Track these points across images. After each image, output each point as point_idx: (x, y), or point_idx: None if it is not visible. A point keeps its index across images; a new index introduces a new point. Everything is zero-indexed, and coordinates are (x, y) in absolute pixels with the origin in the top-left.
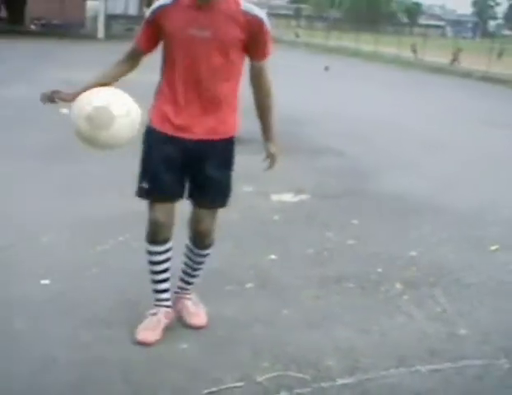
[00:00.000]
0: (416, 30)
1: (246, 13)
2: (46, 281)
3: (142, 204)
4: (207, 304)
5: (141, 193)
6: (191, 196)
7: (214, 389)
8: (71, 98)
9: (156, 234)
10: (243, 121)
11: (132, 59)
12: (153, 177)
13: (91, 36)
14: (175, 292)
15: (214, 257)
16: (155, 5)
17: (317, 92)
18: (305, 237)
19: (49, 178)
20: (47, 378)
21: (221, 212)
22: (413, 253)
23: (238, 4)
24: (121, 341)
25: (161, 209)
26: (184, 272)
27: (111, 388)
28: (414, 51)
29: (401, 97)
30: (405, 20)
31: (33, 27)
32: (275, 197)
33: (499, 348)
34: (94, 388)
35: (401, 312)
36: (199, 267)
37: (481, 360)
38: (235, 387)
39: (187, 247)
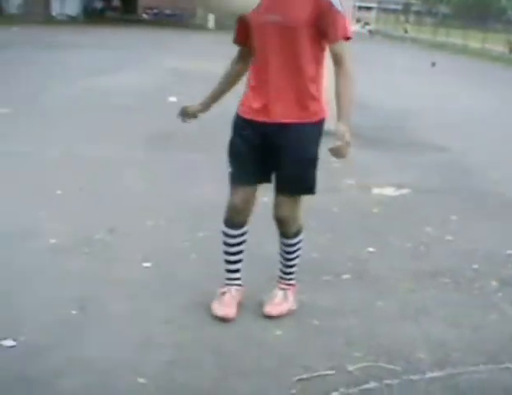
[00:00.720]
0: None
1: None
2: (148, 264)
3: None
4: (304, 292)
5: (229, 177)
6: (275, 181)
7: (305, 376)
8: (201, 108)
9: (233, 218)
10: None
11: (241, 56)
12: (234, 161)
13: (202, 26)
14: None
15: (312, 247)
16: None
17: (422, 87)
18: (404, 231)
19: (155, 165)
20: (143, 356)
21: (322, 204)
22: (510, 252)
23: None
24: (215, 324)
25: (240, 193)
26: (280, 262)
27: (202, 368)
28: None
29: (508, 95)
30: None
31: (145, 16)
32: (376, 191)
33: None
34: (187, 368)
35: (494, 309)
36: (290, 256)
37: None
38: (326, 375)
39: (279, 236)
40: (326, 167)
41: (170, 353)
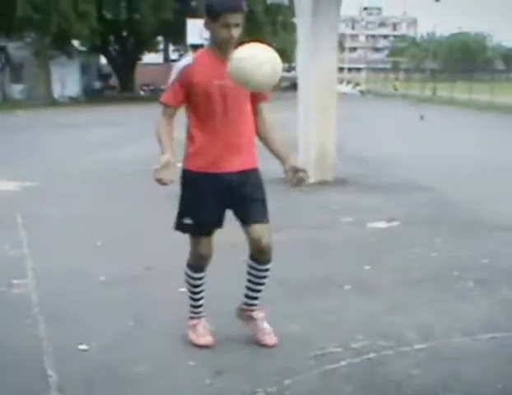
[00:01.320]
0: None
1: None
2: (183, 289)
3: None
4: (314, 300)
5: (185, 229)
6: (242, 219)
7: (319, 353)
8: (167, 161)
9: (201, 266)
10: (347, 165)
11: (170, 117)
12: (196, 214)
13: None
14: (243, 309)
15: (319, 267)
16: (179, 66)
17: (411, 138)
18: (395, 252)
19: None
20: (189, 349)
21: (324, 238)
22: (485, 261)
23: None
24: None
25: (205, 243)
26: (250, 289)
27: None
28: None
29: (489, 140)
30: (502, 66)
31: (142, 93)
32: (370, 225)
33: None
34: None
35: (470, 301)
36: (263, 281)
37: None
38: (335, 352)
39: (250, 266)
40: (326, 209)
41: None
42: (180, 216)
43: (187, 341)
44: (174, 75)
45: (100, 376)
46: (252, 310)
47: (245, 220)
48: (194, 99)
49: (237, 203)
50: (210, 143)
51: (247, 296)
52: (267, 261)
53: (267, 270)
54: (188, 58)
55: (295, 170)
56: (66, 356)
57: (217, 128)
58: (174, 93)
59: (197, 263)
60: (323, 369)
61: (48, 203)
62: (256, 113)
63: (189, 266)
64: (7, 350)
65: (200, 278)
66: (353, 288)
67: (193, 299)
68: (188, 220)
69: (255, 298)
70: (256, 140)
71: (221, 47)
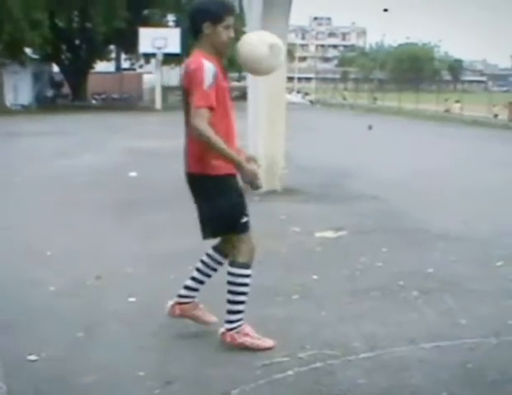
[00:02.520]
0: (459, 86)
1: None
2: (133, 299)
3: (193, 242)
4: (262, 310)
5: (246, 227)
6: None
7: (267, 362)
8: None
9: (252, 259)
10: (295, 175)
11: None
12: (247, 209)
13: (149, 108)
14: (182, 303)
15: (267, 277)
16: (211, 69)
17: (359, 148)
18: (342, 262)
19: (126, 226)
20: (135, 357)
21: (272, 247)
22: (430, 270)
23: None
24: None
25: (253, 237)
26: (200, 281)
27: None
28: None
29: (435, 148)
30: (448, 77)
31: (94, 102)
32: (318, 234)
33: (490, 331)
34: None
35: (415, 310)
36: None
37: (474, 339)
38: (282, 361)
39: (209, 255)
40: (275, 218)
41: (156, 356)
42: (239, 218)
43: (136, 352)
44: (208, 78)
45: (50, 387)
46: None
47: None
48: (216, 102)
49: None
50: (228, 146)
51: (195, 289)
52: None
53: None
54: (206, 61)
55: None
56: (15, 367)
57: (229, 131)
58: (213, 96)
59: (251, 258)
60: (271, 379)
61: None
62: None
63: (244, 265)
64: None
65: (250, 275)
66: (300, 298)
67: (242, 302)
68: (245, 219)
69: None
70: None
71: (221, 48)
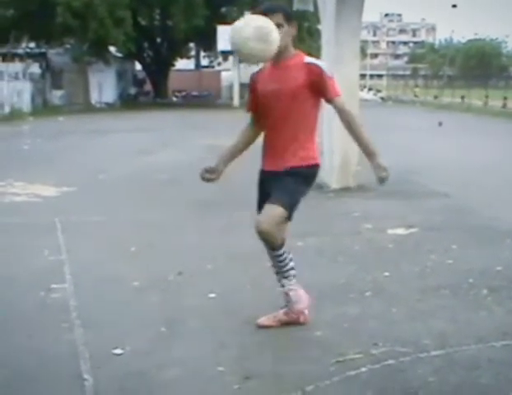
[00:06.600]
0: None
1: (308, 64)
2: (213, 295)
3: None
4: (335, 307)
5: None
6: None
7: (340, 359)
8: (222, 166)
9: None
10: (368, 172)
11: (253, 124)
12: None
13: (227, 105)
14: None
15: (341, 274)
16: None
17: (430, 144)
18: (413, 259)
19: (207, 223)
20: (216, 353)
21: (346, 244)
22: (499, 268)
23: (302, 58)
24: (257, 332)
25: None
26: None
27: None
28: None
29: (503, 144)
30: None
31: (175, 99)
32: (390, 232)
33: None
34: None
35: (484, 309)
36: (275, 263)
37: None
38: (355, 358)
39: None
40: (349, 215)
41: (235, 352)
42: (299, 200)
43: (215, 347)
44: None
45: (134, 380)
46: (283, 286)
47: None
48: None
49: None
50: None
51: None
52: (269, 246)
53: (274, 256)
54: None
55: (379, 168)
56: (101, 361)
57: (271, 131)
58: (248, 99)
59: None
60: (344, 375)
61: (86, 209)
62: (337, 111)
63: (282, 245)
64: (45, 353)
65: None
66: (373, 295)
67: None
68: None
69: (278, 276)
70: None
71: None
